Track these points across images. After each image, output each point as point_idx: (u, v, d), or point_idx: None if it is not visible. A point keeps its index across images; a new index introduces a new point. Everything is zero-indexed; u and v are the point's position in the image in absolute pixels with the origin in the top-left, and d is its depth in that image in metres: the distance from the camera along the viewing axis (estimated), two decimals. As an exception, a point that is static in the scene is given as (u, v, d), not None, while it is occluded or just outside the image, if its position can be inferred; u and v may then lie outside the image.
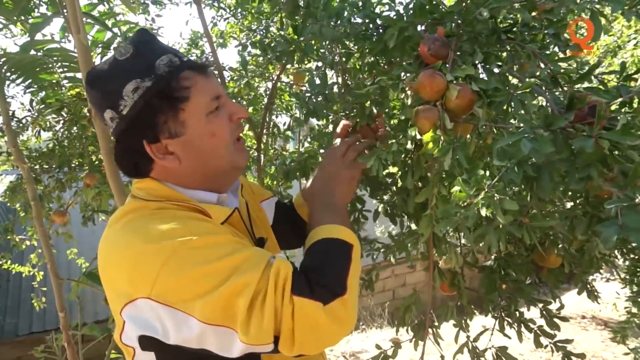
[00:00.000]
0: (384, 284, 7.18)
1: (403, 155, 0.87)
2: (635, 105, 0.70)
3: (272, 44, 1.37)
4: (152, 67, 0.75)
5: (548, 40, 0.87)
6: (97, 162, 2.69)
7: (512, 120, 0.86)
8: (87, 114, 2.23)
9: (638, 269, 1.74)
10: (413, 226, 1.44)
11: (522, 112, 0.71)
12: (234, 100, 1.28)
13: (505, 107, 0.75)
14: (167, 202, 0.78)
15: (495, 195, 0.64)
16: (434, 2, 0.94)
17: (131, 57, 0.76)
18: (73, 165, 2.71)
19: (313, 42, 1.37)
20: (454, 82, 0.79)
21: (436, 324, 1.01)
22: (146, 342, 0.71)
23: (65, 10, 1.45)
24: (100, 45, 2.10)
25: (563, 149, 0.66)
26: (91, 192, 2.50)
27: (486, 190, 0.65)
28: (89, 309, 4.96)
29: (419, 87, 0.82)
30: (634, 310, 2.14)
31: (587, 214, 0.78)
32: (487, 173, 0.70)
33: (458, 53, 0.86)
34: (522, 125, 0.66)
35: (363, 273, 1.56)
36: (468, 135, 0.88)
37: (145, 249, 0.68)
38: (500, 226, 0.73)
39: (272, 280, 0.66)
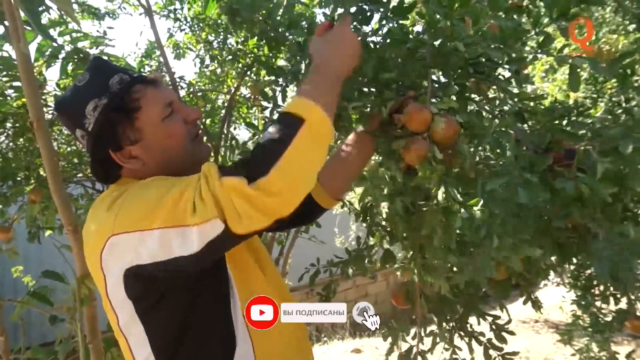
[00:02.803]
0: (345, 295, 7.18)
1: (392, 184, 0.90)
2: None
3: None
4: (106, 86, 0.87)
5: (509, 75, 0.92)
6: (44, 175, 2.56)
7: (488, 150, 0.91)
8: (30, 126, 2.12)
9: (581, 274, 1.82)
10: (371, 242, 1.45)
11: (499, 150, 0.78)
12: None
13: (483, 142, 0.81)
14: None
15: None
16: (405, 31, 0.97)
17: (88, 82, 0.88)
18: (18, 178, 2.56)
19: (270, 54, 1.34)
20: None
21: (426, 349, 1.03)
22: (131, 281, 0.78)
23: (4, 19, 1.38)
24: (47, 54, 2.00)
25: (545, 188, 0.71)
26: (37, 207, 2.37)
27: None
28: (35, 330, 4.67)
29: (407, 120, 0.86)
30: (579, 312, 2.24)
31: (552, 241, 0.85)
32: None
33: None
34: (505, 164, 0.72)
35: (320, 287, 1.55)
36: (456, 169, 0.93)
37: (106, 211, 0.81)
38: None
39: (203, 175, 0.74)
